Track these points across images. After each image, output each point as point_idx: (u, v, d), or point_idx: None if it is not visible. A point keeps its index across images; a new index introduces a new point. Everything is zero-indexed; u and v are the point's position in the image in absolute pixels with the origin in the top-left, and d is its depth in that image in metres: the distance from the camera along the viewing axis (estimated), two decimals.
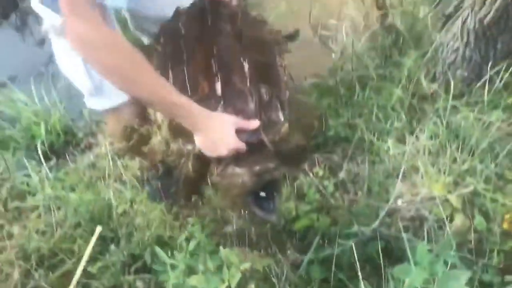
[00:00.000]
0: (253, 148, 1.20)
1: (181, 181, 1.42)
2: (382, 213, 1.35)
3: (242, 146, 1.17)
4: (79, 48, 1.08)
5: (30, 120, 1.85)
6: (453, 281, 0.99)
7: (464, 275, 1.02)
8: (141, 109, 1.39)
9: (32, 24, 3.07)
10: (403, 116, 1.78)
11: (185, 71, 1.26)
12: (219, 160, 1.21)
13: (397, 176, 1.53)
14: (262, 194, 1.26)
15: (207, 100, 1.20)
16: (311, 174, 1.74)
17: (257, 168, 1.20)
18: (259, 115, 1.21)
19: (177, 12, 1.45)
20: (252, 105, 1.22)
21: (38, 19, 3.32)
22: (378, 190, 1.58)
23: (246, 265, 1.05)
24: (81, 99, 2.08)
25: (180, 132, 1.23)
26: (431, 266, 1.01)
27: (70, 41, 1.07)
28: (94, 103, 1.39)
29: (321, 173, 1.71)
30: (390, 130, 1.77)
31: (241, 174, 1.20)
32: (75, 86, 1.38)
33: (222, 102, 1.19)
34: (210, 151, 1.19)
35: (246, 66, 1.25)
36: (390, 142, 1.71)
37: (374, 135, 1.78)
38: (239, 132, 1.18)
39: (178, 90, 1.14)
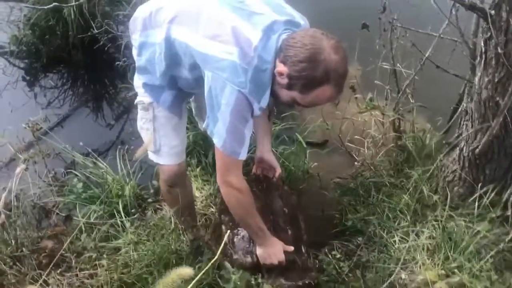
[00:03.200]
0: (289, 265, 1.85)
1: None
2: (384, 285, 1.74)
3: (284, 260, 1.82)
4: (232, 207, 1.74)
5: (111, 184, 2.34)
6: None
7: None
8: (180, 172, 1.98)
9: (105, 109, 3.72)
10: (408, 218, 2.20)
11: None
12: (270, 270, 1.84)
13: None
14: None
15: None
16: (330, 256, 2.16)
17: (300, 283, 1.84)
18: (293, 243, 1.88)
19: None
20: (289, 237, 1.92)
21: (110, 105, 3.91)
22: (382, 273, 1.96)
23: None
24: (150, 173, 2.59)
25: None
26: None
27: (227, 201, 1.72)
28: (153, 158, 1.95)
29: (338, 255, 2.13)
30: (397, 228, 2.20)
31: (286, 285, 1.83)
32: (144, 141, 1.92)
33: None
34: (265, 260, 1.82)
35: (285, 213, 1.99)
36: (397, 237, 2.13)
37: (383, 230, 2.20)
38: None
39: None
